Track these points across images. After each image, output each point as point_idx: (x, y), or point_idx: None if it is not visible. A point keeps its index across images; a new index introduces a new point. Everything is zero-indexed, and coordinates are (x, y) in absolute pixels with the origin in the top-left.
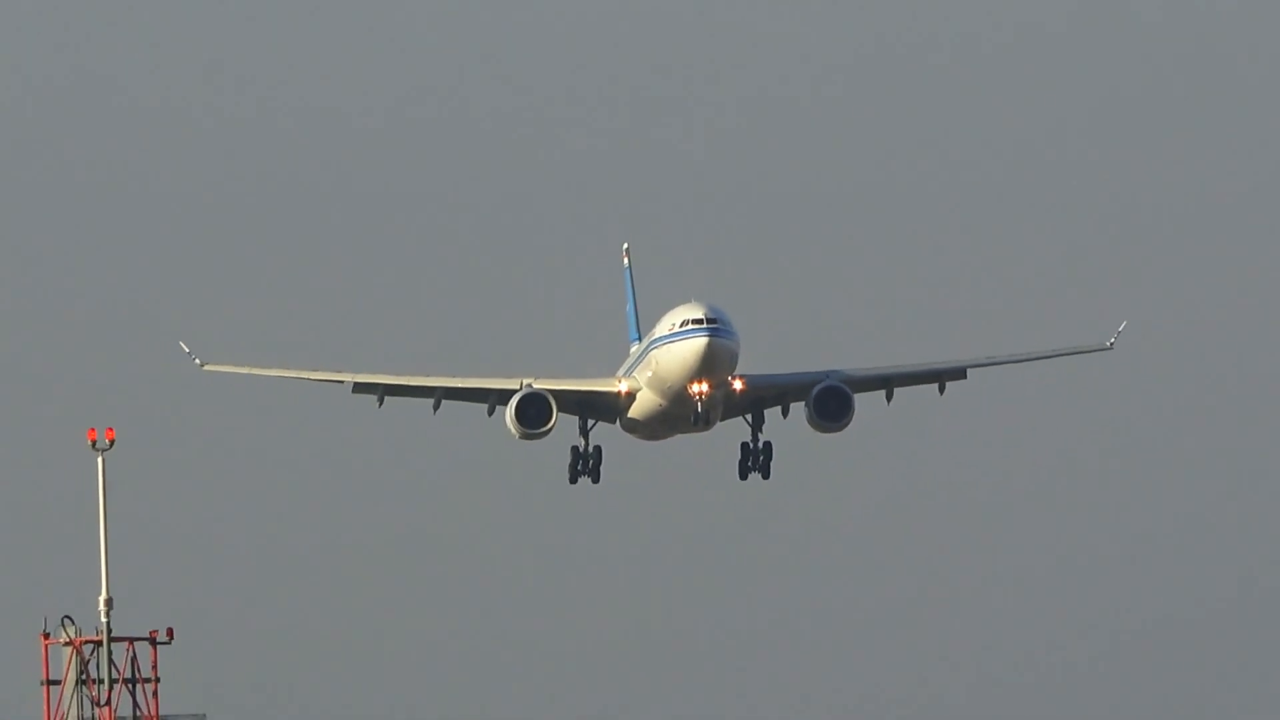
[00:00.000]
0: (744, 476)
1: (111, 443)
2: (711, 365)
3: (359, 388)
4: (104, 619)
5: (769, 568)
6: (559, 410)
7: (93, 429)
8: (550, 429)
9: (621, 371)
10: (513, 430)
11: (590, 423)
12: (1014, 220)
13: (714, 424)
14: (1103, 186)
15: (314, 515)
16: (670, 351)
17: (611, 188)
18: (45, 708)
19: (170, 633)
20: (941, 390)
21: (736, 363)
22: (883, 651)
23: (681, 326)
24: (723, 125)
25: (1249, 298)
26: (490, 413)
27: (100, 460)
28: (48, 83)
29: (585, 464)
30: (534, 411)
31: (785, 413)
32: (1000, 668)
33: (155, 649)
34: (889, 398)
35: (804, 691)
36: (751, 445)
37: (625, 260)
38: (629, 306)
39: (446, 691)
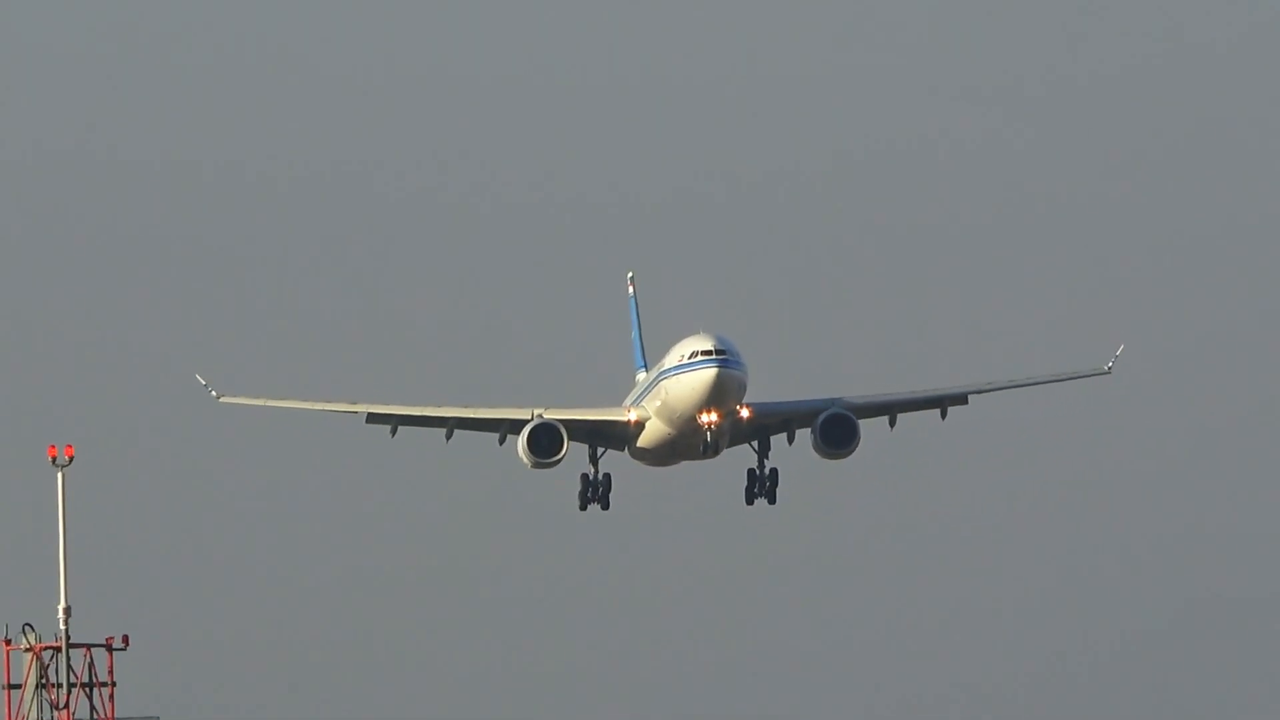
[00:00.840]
0: (750, 502)
1: (71, 459)
2: (720, 396)
3: (373, 418)
4: (63, 626)
5: (776, 593)
6: (569, 439)
7: (53, 446)
8: (562, 458)
9: (629, 400)
10: (525, 460)
11: (600, 450)
12: (1013, 247)
13: (721, 451)
14: (1101, 212)
15: (324, 540)
16: (680, 382)
17: (618, 218)
18: (6, 710)
19: (125, 640)
20: (944, 415)
21: (745, 393)
22: (890, 677)
23: (691, 358)
24: (728, 154)
25: (1248, 321)
26: (501, 442)
27: (60, 476)
28: (62, 125)
29: (595, 491)
30: (546, 441)
31: (791, 439)
32: (1005, 692)
33: (111, 655)
34: (892, 424)
35: (811, 718)
36: (758, 472)
37: (630, 289)
38: (634, 334)
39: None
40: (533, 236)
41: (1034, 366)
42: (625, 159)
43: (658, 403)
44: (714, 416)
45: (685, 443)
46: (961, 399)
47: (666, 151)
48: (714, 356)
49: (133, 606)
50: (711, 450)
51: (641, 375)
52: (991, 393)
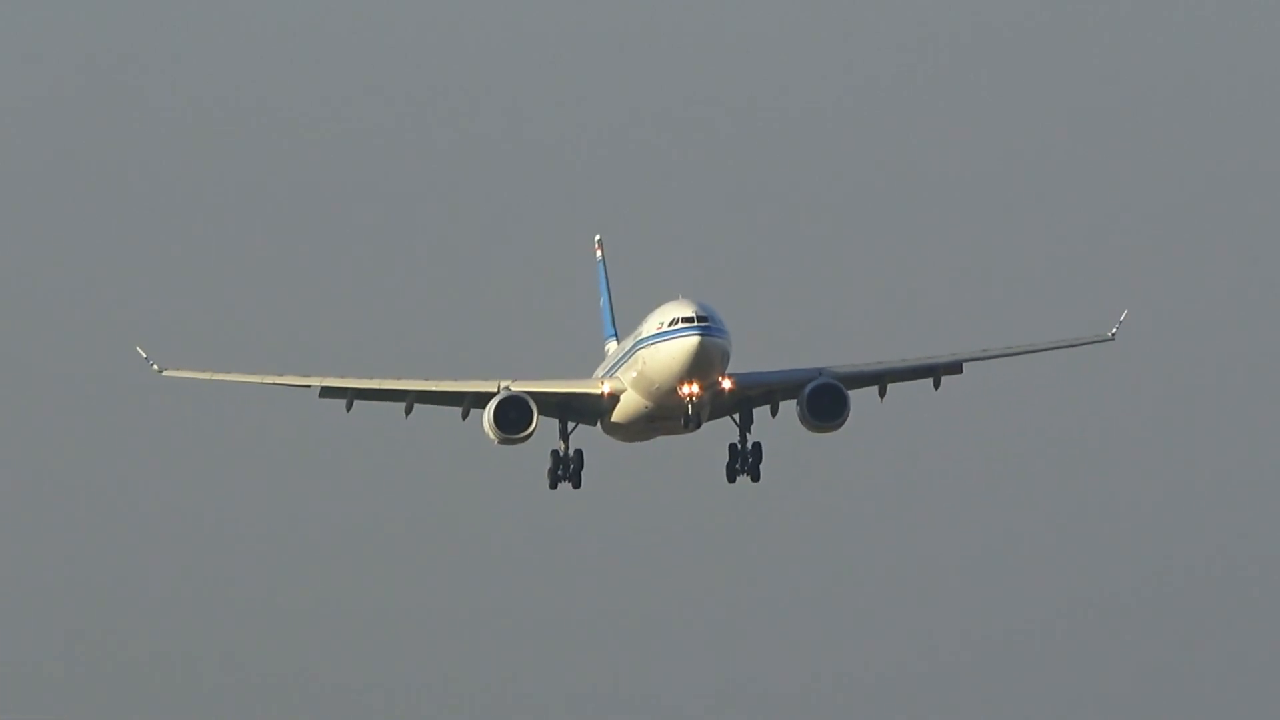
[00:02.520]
0: (732, 479)
1: None
2: (703, 366)
3: (326, 392)
4: None
5: (760, 574)
6: (539, 414)
7: None
8: (531, 434)
9: (602, 371)
10: (491, 435)
11: (571, 425)
12: (1008, 208)
13: (702, 424)
14: (1100, 172)
15: (277, 522)
16: (659, 351)
17: (588, 179)
18: None
19: None
20: (937, 385)
21: (728, 362)
22: (878, 659)
23: (671, 325)
24: (708, 116)
25: (1256, 284)
26: (465, 416)
27: None
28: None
29: (566, 469)
30: (514, 415)
31: (774, 412)
32: (999, 669)
33: None
34: (882, 394)
35: (794, 701)
36: (740, 446)
37: (598, 253)
38: (603, 301)
39: (418, 704)
40: (492, 197)
41: (1032, 333)
42: (591, 112)
43: (633, 374)
44: (695, 388)
45: (663, 416)
46: (956, 368)
47: (635, 104)
48: (695, 324)
49: (70, 593)
50: (694, 424)
51: (612, 345)
52: (987, 361)
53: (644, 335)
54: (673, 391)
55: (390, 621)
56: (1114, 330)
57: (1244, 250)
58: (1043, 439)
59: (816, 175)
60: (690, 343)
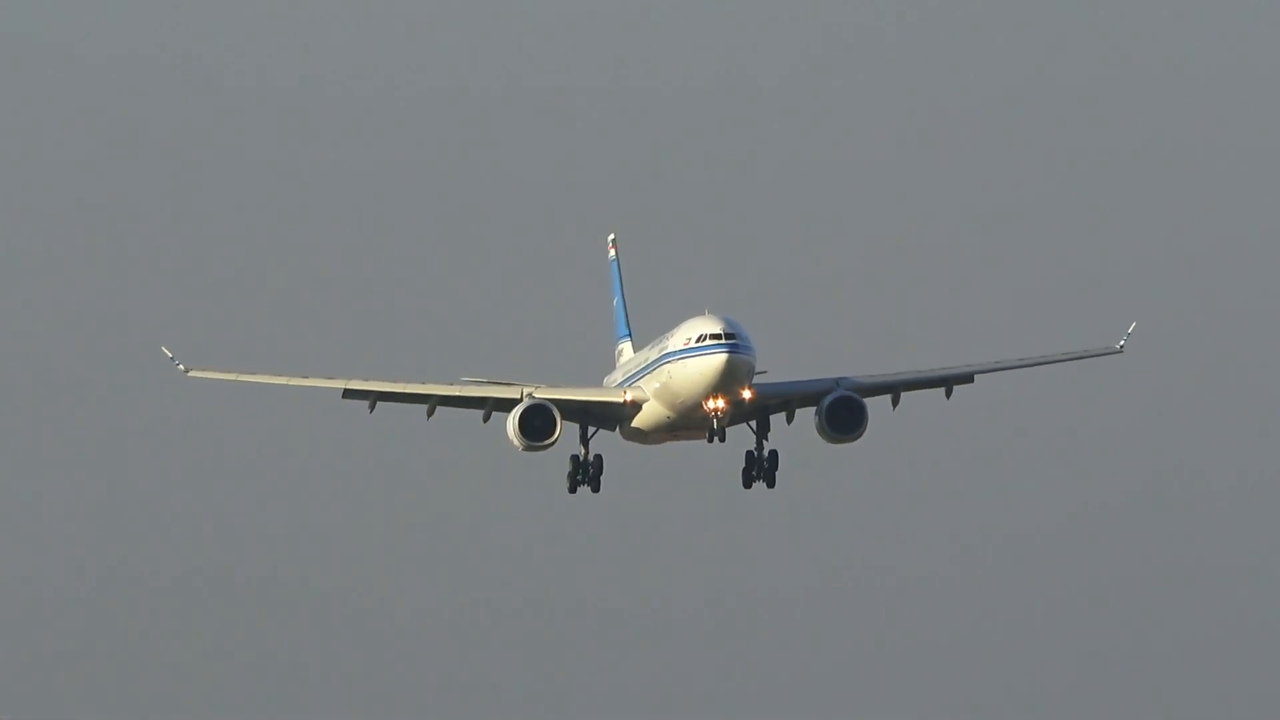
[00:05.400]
0: (748, 485)
1: None
2: (729, 382)
3: (349, 394)
4: None
5: (775, 580)
6: (561, 420)
7: None
8: (555, 441)
9: (618, 374)
10: (515, 443)
11: (591, 430)
12: (1019, 222)
13: (726, 437)
14: (1109, 184)
15: (299, 523)
16: (686, 367)
17: (608, 187)
18: None
19: None
20: (948, 395)
21: (753, 377)
22: (893, 667)
23: (699, 341)
24: (725, 124)
25: (1266, 296)
26: (486, 419)
27: None
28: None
29: (585, 473)
30: (539, 423)
31: (790, 419)
32: (1013, 679)
33: None
34: (895, 403)
35: (810, 706)
36: (756, 453)
37: (611, 251)
38: (616, 301)
39: (438, 707)
40: (505, 199)
41: (1042, 345)
42: (604, 113)
43: (657, 385)
44: (720, 403)
45: (684, 425)
46: (967, 378)
47: (661, 120)
48: (724, 341)
49: (98, 592)
50: (719, 436)
51: (625, 346)
52: (998, 372)
53: (671, 349)
54: (698, 405)
55: (409, 624)
56: (1122, 342)
57: (1252, 262)
58: (1051, 448)
59: (832, 186)
60: (719, 360)
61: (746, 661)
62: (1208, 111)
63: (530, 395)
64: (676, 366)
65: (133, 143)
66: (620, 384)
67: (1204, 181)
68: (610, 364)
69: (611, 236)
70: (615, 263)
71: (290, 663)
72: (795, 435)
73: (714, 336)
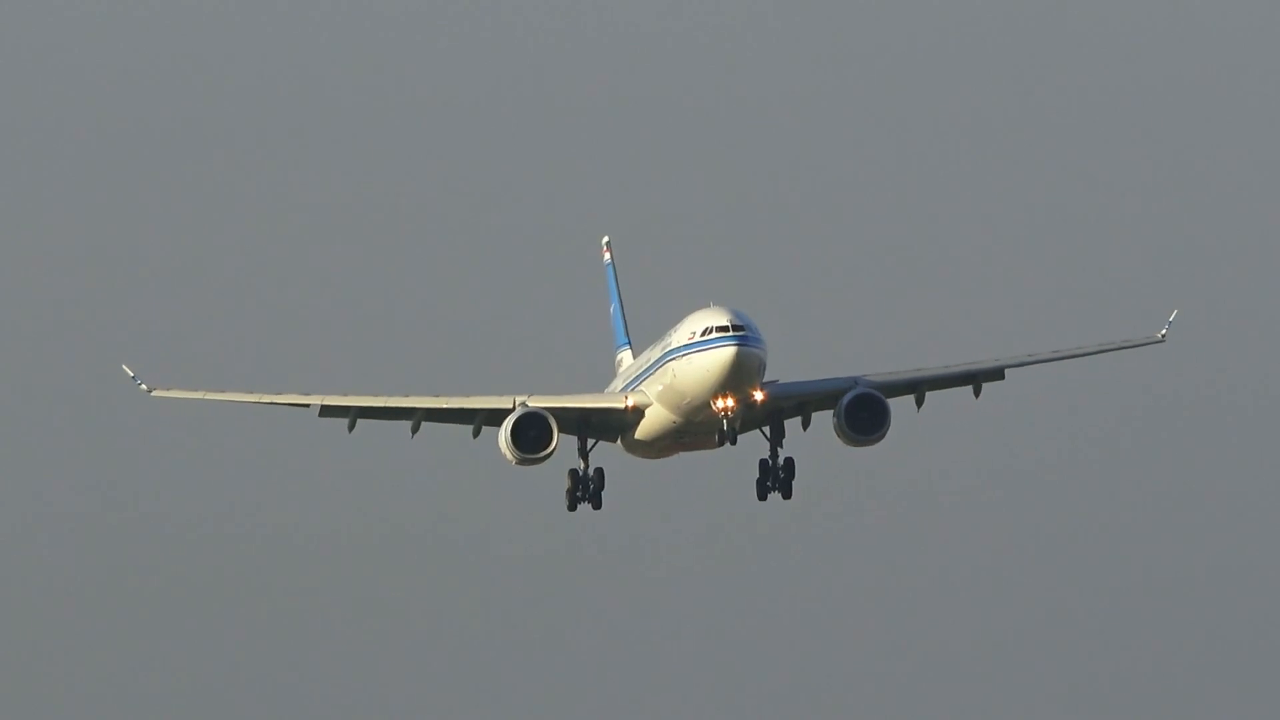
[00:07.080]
0: (763, 497)
1: None
2: (740, 378)
3: (327, 411)
4: None
5: (792, 597)
6: (558, 430)
7: None
8: (551, 453)
9: (619, 384)
10: (509, 455)
11: (591, 443)
12: (1050, 205)
13: (737, 441)
14: (1147, 163)
15: (280, 548)
16: (692, 363)
17: (612, 181)
18: None
19: None
20: (977, 393)
21: (765, 373)
22: (916, 687)
23: (704, 335)
24: (734, 117)
25: None
26: (476, 434)
27: None
28: None
29: (585, 489)
30: (534, 433)
31: (806, 424)
32: (1044, 687)
33: None
34: (919, 403)
35: None
36: (771, 462)
37: (606, 256)
38: (613, 308)
39: None
40: (490, 201)
41: (1077, 336)
42: (600, 105)
43: (660, 386)
44: (730, 402)
45: (692, 432)
46: (997, 374)
47: (657, 106)
48: (731, 333)
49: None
50: (730, 438)
51: (624, 355)
52: (1031, 366)
53: (674, 345)
54: (705, 406)
55: (401, 652)
56: (1164, 331)
57: None
58: (1088, 447)
59: (847, 175)
60: (727, 353)
61: (764, 694)
62: (1246, 96)
63: (523, 404)
64: (681, 364)
65: (93, 147)
66: (621, 391)
67: (1241, 163)
68: (610, 375)
69: (606, 240)
70: (611, 267)
71: (273, 686)
72: (812, 441)
73: (721, 329)
